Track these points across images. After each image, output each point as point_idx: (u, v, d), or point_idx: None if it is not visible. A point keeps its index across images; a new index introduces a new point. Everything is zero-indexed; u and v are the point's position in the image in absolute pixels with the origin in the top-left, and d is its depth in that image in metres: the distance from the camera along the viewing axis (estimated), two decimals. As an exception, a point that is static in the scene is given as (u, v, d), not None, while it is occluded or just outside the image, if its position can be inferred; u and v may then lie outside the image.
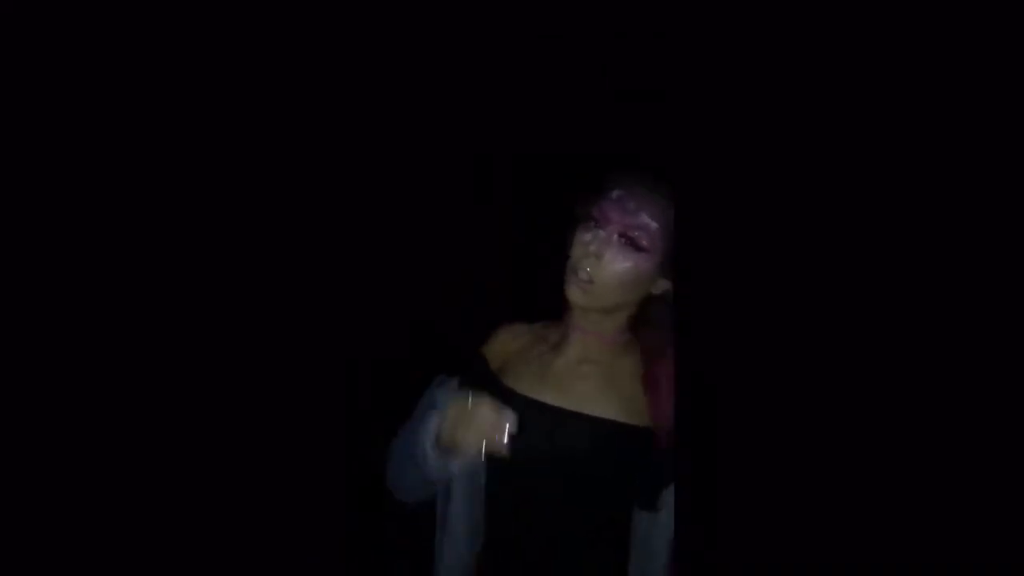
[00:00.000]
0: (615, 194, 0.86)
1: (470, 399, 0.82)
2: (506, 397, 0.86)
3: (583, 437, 0.85)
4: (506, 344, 0.97)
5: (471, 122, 1.36)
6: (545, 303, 0.94)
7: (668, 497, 0.77)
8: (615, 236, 0.84)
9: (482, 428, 0.79)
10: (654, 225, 0.84)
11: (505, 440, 0.78)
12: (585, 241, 0.85)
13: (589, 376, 0.89)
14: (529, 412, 0.83)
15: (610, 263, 0.84)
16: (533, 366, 0.92)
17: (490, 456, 0.80)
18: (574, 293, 0.86)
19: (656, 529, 0.80)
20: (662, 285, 0.86)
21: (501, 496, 0.88)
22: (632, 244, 0.83)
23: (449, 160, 1.42)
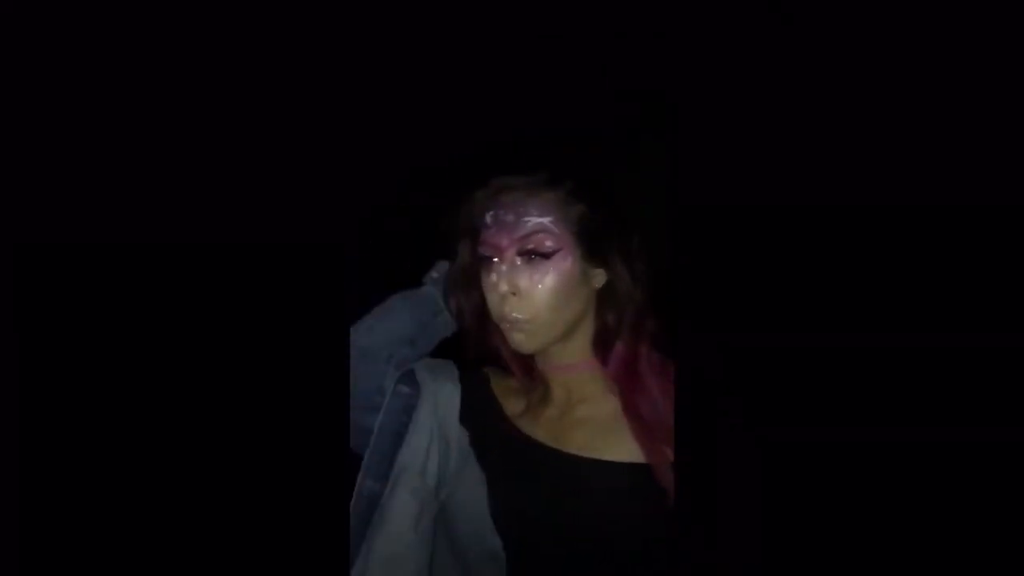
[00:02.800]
0: (488, 217, 0.76)
1: None
2: (523, 446, 0.77)
3: (597, 487, 0.73)
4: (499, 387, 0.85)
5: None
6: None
7: None
8: (516, 260, 0.75)
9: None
10: (547, 219, 0.75)
11: None
12: (492, 283, 0.75)
13: (585, 421, 0.78)
14: (544, 466, 0.74)
15: (530, 289, 0.74)
16: (523, 420, 0.80)
17: (507, 522, 0.73)
18: (519, 340, 0.77)
19: None
20: (599, 278, 0.77)
21: (525, 566, 0.75)
22: (538, 254, 0.74)
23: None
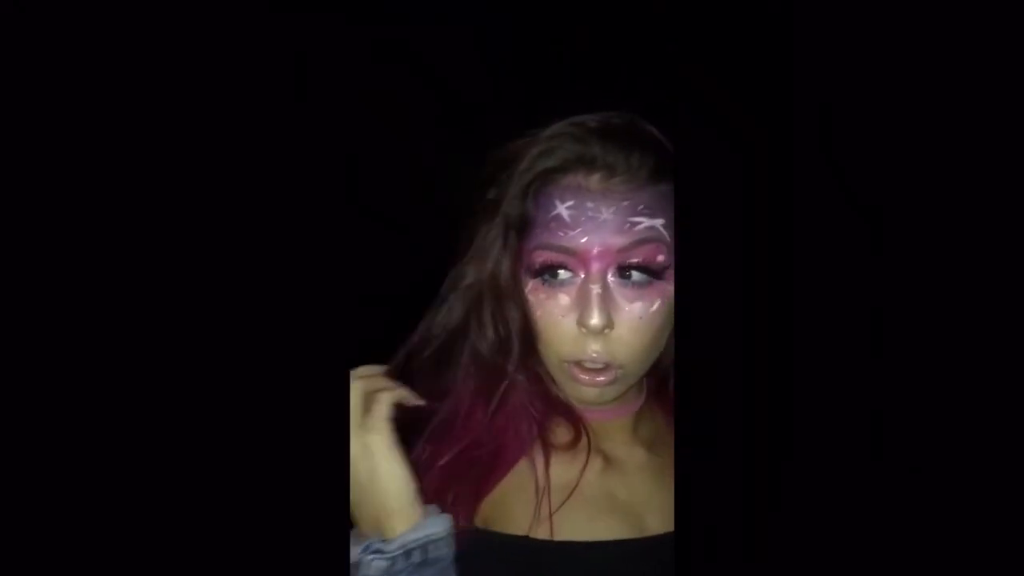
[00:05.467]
0: (564, 207, 0.52)
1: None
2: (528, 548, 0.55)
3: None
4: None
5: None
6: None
7: None
8: (611, 279, 0.53)
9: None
10: (660, 222, 0.52)
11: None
12: (566, 308, 0.53)
13: (618, 483, 0.58)
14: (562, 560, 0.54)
15: (629, 324, 0.52)
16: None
17: None
18: (594, 395, 0.55)
19: None
20: None
21: None
22: (646, 271, 0.53)
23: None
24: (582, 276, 0.54)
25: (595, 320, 0.52)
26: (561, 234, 0.54)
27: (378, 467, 0.52)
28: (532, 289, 0.56)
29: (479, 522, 0.58)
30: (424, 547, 0.51)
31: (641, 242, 0.53)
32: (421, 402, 0.56)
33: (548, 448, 0.58)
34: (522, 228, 0.55)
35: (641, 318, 0.54)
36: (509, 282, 0.57)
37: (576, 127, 0.57)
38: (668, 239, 0.54)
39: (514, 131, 0.58)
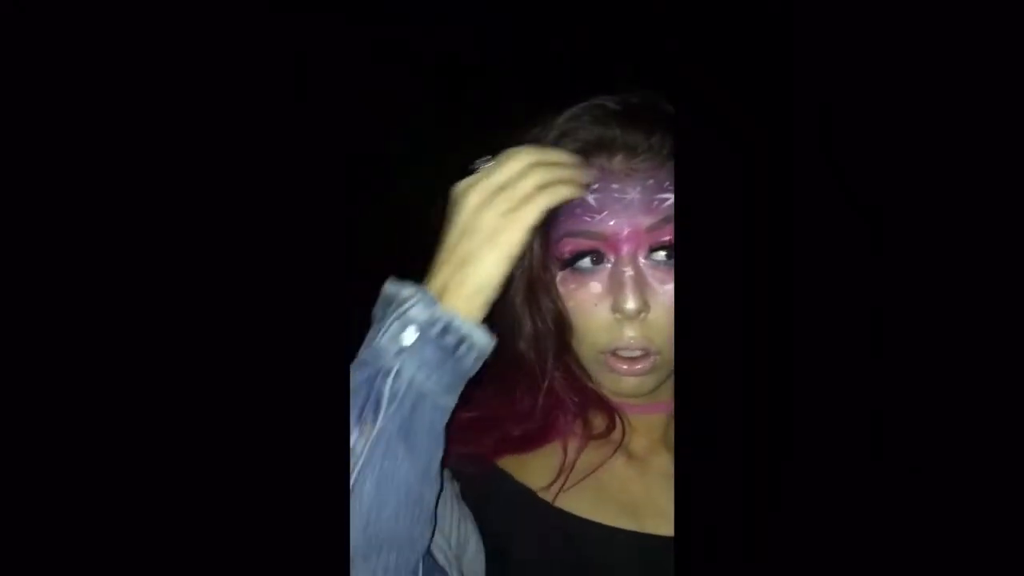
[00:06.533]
0: (591, 192, 0.51)
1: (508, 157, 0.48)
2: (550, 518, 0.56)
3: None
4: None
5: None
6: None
7: None
8: (641, 260, 0.52)
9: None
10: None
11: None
12: (600, 295, 0.52)
13: (633, 478, 0.58)
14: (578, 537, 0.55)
15: (664, 306, 0.51)
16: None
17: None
18: (634, 385, 0.54)
19: None
20: None
21: None
22: (672, 250, 0.52)
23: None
24: (612, 261, 0.53)
25: (630, 303, 0.51)
26: (588, 219, 0.53)
27: (494, 248, 0.48)
28: (562, 280, 0.55)
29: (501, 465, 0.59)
30: (462, 338, 0.48)
31: (669, 219, 0.52)
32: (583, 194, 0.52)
33: (587, 435, 0.59)
34: (546, 217, 0.52)
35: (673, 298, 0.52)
36: (541, 273, 0.56)
37: (595, 108, 0.57)
38: None
39: (515, 130, 0.58)
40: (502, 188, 0.48)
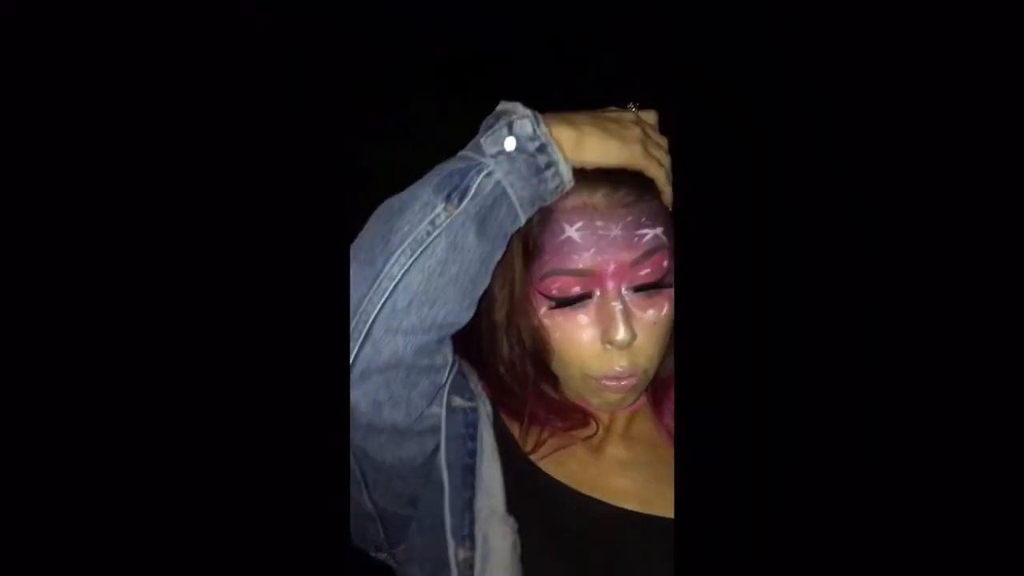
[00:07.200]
0: (574, 229, 0.54)
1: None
2: (552, 492, 0.58)
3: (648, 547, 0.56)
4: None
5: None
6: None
7: None
8: (625, 294, 0.54)
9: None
10: (660, 230, 0.54)
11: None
12: (585, 326, 0.55)
13: (629, 466, 0.61)
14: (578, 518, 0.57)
15: (646, 332, 0.55)
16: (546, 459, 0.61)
17: None
18: (614, 401, 0.58)
19: None
20: None
21: None
22: (654, 285, 0.55)
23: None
24: (598, 294, 0.56)
25: (622, 336, 0.54)
26: (576, 257, 0.55)
27: (620, 146, 0.54)
28: (546, 314, 0.57)
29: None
30: (552, 162, 0.53)
31: (649, 253, 0.55)
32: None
33: (563, 430, 0.64)
34: (529, 254, 0.57)
35: (655, 324, 0.56)
36: (523, 303, 0.58)
37: None
38: (668, 244, 0.56)
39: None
40: (661, 135, 0.56)
